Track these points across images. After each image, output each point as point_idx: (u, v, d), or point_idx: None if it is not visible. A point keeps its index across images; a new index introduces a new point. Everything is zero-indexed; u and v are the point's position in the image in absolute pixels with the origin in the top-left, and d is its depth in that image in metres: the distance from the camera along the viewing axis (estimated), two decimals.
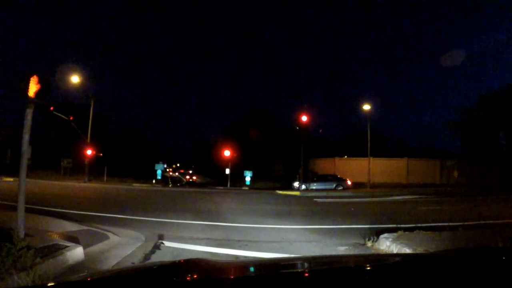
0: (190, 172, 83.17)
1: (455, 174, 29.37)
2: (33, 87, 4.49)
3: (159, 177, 36.54)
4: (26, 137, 4.70)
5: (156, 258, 4.78)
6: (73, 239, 5.10)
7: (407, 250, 4.91)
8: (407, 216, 10.12)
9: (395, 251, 5.12)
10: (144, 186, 28.68)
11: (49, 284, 1.53)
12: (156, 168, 36.67)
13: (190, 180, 67.08)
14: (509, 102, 36.50)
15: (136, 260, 4.55)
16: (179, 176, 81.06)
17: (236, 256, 5.00)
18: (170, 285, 1.31)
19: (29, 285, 3.05)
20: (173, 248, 5.43)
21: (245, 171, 34.52)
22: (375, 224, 8.16)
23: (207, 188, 31.66)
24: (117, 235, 6.15)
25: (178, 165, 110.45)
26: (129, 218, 8.64)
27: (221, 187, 32.57)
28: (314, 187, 27.15)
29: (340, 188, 26.71)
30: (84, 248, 4.64)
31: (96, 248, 5.07)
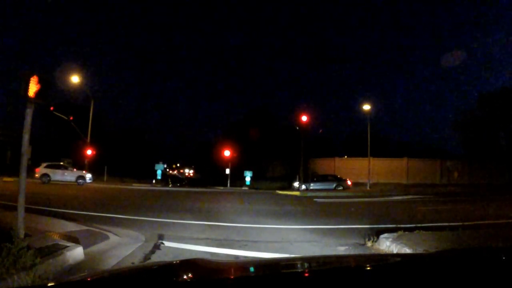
0: (190, 171, 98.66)
1: (455, 174, 29.43)
2: (33, 87, 4.49)
3: (159, 177, 36.58)
4: (26, 137, 4.70)
5: (156, 258, 4.78)
6: (73, 239, 5.10)
7: (407, 250, 4.91)
8: (407, 216, 10.12)
9: (395, 251, 5.12)
10: (144, 186, 28.69)
11: (49, 284, 1.53)
12: (156, 168, 36.71)
13: (188, 176, 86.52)
14: (509, 102, 36.55)
15: (136, 260, 4.55)
16: (178, 175, 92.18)
17: (236, 256, 5.00)
18: (170, 285, 1.31)
19: (29, 285, 3.05)
20: (173, 248, 5.43)
21: (245, 171, 34.53)
22: (375, 224, 8.16)
23: (207, 188, 31.69)
24: (117, 235, 6.15)
25: (178, 165, 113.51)
26: (129, 218, 8.64)
27: (221, 187, 32.57)
28: (314, 187, 27.15)
29: (340, 188, 26.72)
30: (84, 248, 4.64)
31: (96, 248, 5.07)
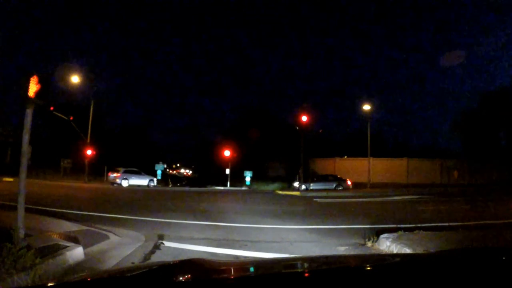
0: (188, 170, 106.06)
1: (455, 174, 29.39)
2: (33, 87, 4.49)
3: (159, 177, 36.60)
4: (26, 137, 4.70)
5: (156, 258, 4.78)
6: (73, 239, 5.11)
7: (407, 250, 4.91)
8: (407, 216, 10.12)
9: (395, 251, 5.11)
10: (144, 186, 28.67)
11: (49, 284, 1.53)
12: (156, 168, 36.73)
13: (186, 175, 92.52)
14: (509, 102, 36.55)
15: (136, 260, 4.55)
16: (177, 174, 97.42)
17: (236, 256, 5.00)
18: (170, 285, 1.31)
19: (29, 285, 3.05)
20: (173, 248, 5.43)
21: (245, 171, 34.49)
22: (375, 224, 8.16)
23: (207, 188, 31.72)
24: (117, 235, 6.15)
25: (178, 165, 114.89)
26: (129, 218, 8.64)
27: (221, 187, 32.57)
28: (314, 187, 27.13)
29: (340, 188, 26.70)
30: (84, 248, 4.64)
31: (96, 248, 5.08)
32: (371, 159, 30.43)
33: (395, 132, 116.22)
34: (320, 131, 39.54)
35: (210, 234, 6.87)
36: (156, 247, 5.41)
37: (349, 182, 27.63)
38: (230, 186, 33.63)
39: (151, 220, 8.54)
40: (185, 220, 8.62)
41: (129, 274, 1.67)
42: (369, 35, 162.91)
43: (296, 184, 28.15)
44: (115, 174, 26.76)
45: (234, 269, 1.70)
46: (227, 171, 34.91)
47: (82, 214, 8.97)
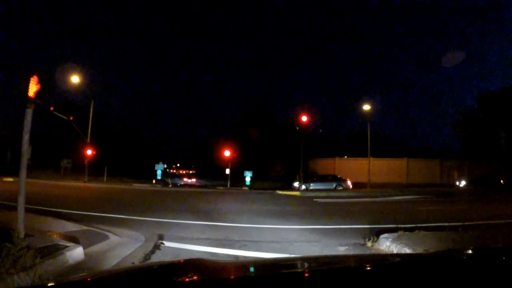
0: (189, 171, 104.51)
1: (455, 174, 29.41)
2: (33, 87, 4.49)
3: (159, 177, 36.63)
4: (26, 137, 4.70)
5: (156, 258, 4.79)
6: (73, 239, 5.11)
7: (407, 250, 4.91)
8: (407, 216, 10.11)
9: (395, 251, 5.11)
10: (144, 186, 28.67)
11: (49, 284, 1.53)
12: (156, 168, 36.76)
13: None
14: (509, 102, 36.58)
15: (136, 260, 4.55)
16: (176, 174, 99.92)
17: (236, 256, 5.00)
18: (170, 285, 1.31)
19: (29, 285, 3.05)
20: (173, 248, 5.43)
21: (245, 171, 34.46)
22: (375, 224, 8.16)
23: (207, 188, 31.72)
24: (117, 235, 6.15)
25: (178, 165, 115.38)
26: (129, 218, 8.64)
27: (221, 187, 32.56)
28: (314, 187, 27.11)
29: (340, 188, 26.68)
30: (84, 248, 4.64)
31: (96, 248, 5.08)
32: (371, 159, 30.43)
33: (395, 132, 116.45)
34: (320, 131, 39.65)
35: (210, 234, 6.87)
36: (156, 247, 5.41)
37: (349, 182, 27.61)
38: (230, 186, 33.61)
39: (151, 220, 8.54)
40: (185, 220, 8.62)
41: (129, 274, 1.67)
42: (370, 36, 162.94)
43: (296, 184, 28.13)
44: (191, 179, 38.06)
45: (234, 269, 1.70)
46: (227, 171, 34.89)
47: (82, 214, 8.96)
